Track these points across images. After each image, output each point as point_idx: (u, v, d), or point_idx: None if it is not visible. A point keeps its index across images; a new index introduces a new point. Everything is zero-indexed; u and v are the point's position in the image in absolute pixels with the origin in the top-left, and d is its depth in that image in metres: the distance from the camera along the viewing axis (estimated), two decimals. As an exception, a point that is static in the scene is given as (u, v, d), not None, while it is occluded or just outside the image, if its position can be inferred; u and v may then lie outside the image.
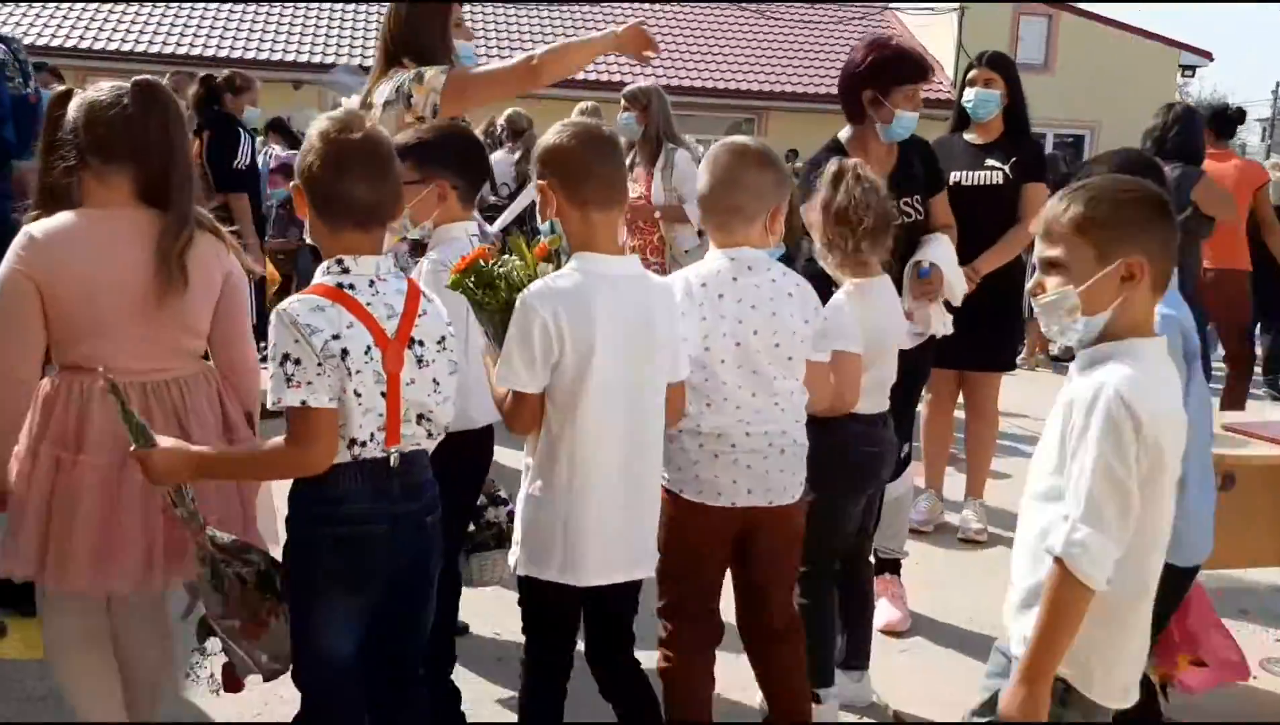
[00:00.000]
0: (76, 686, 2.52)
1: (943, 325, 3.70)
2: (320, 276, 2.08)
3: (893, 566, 3.85)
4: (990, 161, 4.54)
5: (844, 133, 3.79)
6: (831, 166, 3.07)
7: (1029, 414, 6.82)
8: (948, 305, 3.77)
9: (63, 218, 2.32)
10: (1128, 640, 1.98)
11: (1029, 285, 2.05)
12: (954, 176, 4.39)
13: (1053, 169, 10.06)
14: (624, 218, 5.25)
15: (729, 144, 2.67)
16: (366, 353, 2.02)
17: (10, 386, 2.33)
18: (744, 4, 20.46)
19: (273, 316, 2.01)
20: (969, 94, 4.62)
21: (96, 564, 2.31)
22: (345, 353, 1.99)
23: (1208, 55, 21.67)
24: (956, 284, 3.74)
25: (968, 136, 4.67)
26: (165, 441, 2.14)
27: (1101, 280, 1.92)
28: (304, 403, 1.97)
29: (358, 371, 2.01)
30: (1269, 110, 37.82)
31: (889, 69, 3.65)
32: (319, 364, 1.97)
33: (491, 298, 2.35)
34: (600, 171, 2.36)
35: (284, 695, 2.56)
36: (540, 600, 2.44)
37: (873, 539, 3.36)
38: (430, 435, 2.18)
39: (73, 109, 2.36)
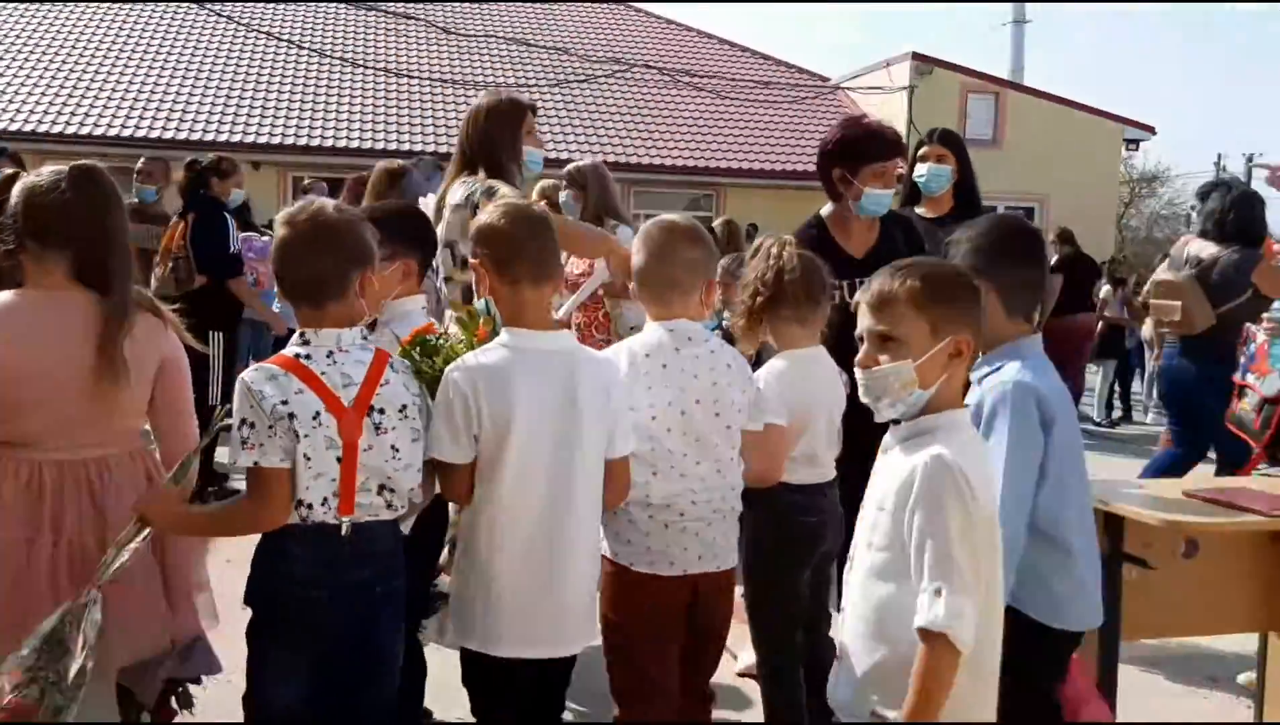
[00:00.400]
0: None
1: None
2: (286, 348, 2.25)
3: None
4: (942, 235, 4.62)
5: (825, 209, 3.86)
6: (757, 241, 3.17)
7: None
8: None
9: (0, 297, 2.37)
10: (992, 691, 2.03)
11: (858, 358, 2.09)
12: None
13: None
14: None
15: (661, 222, 2.76)
16: (315, 418, 2.14)
17: None
18: (700, 86, 20.83)
19: (236, 385, 2.18)
20: (921, 169, 4.71)
21: (10, 636, 2.28)
22: (292, 416, 2.12)
23: (1150, 129, 22.27)
24: None
25: (919, 211, 4.75)
26: (164, 494, 2.30)
27: (935, 355, 1.98)
28: (256, 463, 2.13)
29: (306, 435, 2.13)
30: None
31: (856, 147, 3.72)
32: (270, 427, 2.12)
33: (429, 369, 2.45)
34: (530, 249, 2.44)
35: None
36: (472, 667, 2.47)
37: (832, 609, 3.33)
38: (390, 506, 2.26)
39: (14, 194, 2.42)
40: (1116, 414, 11.72)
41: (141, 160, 6.95)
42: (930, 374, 2.00)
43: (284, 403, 2.13)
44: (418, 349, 2.51)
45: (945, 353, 2.00)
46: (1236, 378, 4.20)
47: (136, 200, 6.78)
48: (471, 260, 2.52)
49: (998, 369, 2.42)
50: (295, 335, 2.27)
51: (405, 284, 2.92)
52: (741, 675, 3.80)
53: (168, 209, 6.85)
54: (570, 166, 5.72)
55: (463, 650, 2.48)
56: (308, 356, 2.20)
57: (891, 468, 2.03)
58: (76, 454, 2.36)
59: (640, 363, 2.61)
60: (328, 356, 2.21)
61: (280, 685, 2.23)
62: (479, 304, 2.58)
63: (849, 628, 2.08)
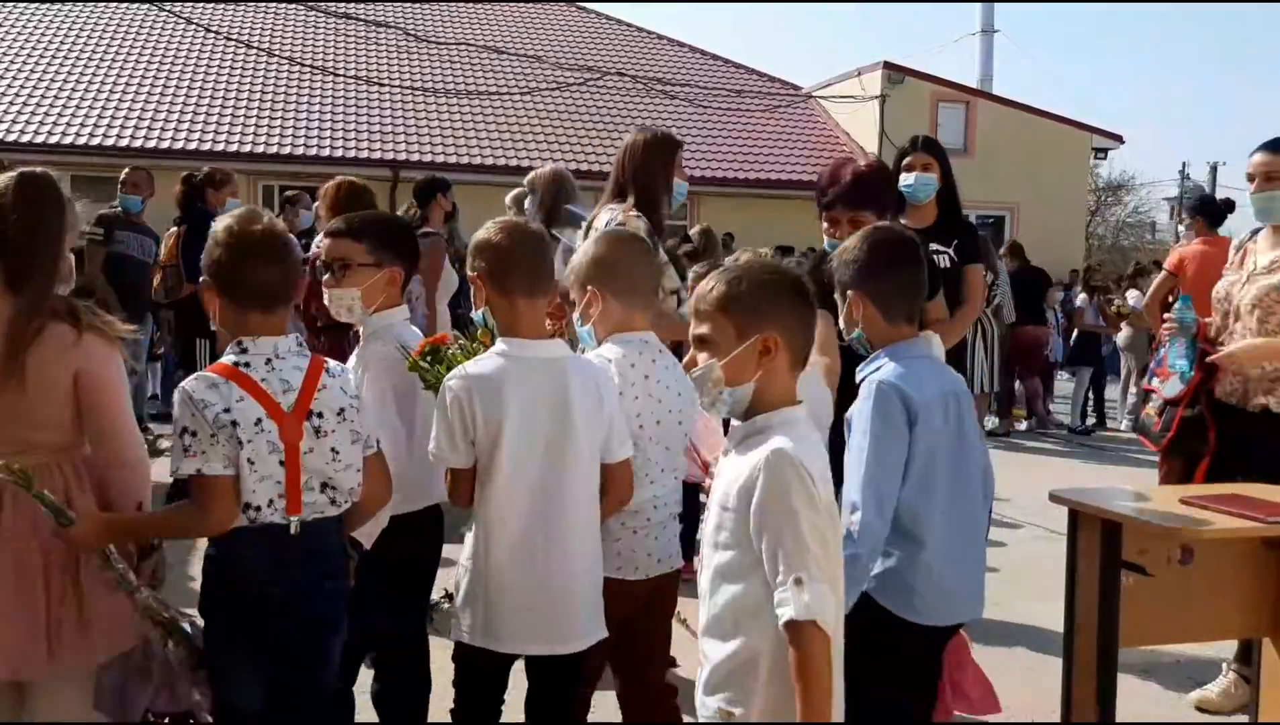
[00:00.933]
0: None
1: None
2: (223, 357, 2.31)
3: None
4: (934, 246, 4.61)
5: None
6: (734, 256, 3.28)
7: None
8: None
9: None
10: (839, 678, 2.01)
11: (684, 359, 2.17)
12: None
13: (985, 251, 10.32)
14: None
15: (630, 235, 2.91)
16: (258, 424, 2.21)
17: None
18: (673, 94, 20.87)
19: (175, 394, 2.23)
20: (908, 179, 4.68)
21: None
22: (235, 423, 2.19)
23: (1118, 138, 22.51)
24: None
25: (905, 221, 4.73)
26: (82, 511, 2.28)
27: (742, 354, 2.05)
28: (199, 471, 2.18)
29: (249, 441, 2.20)
30: (1175, 190, 39.33)
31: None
32: (212, 435, 2.18)
33: (434, 377, 2.59)
34: (524, 262, 2.56)
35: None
36: (469, 663, 2.54)
37: None
38: (334, 503, 2.35)
39: None
40: (1091, 421, 11.80)
41: (126, 170, 7.10)
42: (739, 372, 2.05)
43: (226, 411, 2.19)
44: (428, 357, 2.64)
45: (754, 351, 2.04)
46: (1145, 383, 4.13)
47: (120, 209, 6.84)
48: (470, 273, 2.61)
49: (877, 370, 2.54)
50: (232, 343, 2.31)
51: (387, 294, 2.95)
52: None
53: (150, 219, 6.93)
54: (531, 174, 5.61)
55: (460, 649, 2.54)
56: (246, 364, 2.28)
57: (732, 467, 2.08)
58: None
59: (629, 373, 2.70)
60: (266, 363, 2.29)
61: (244, 688, 2.29)
62: (476, 315, 2.66)
63: (702, 627, 2.11)
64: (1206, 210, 6.97)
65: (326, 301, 2.95)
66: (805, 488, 1.93)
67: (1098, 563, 3.04)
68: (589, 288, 2.74)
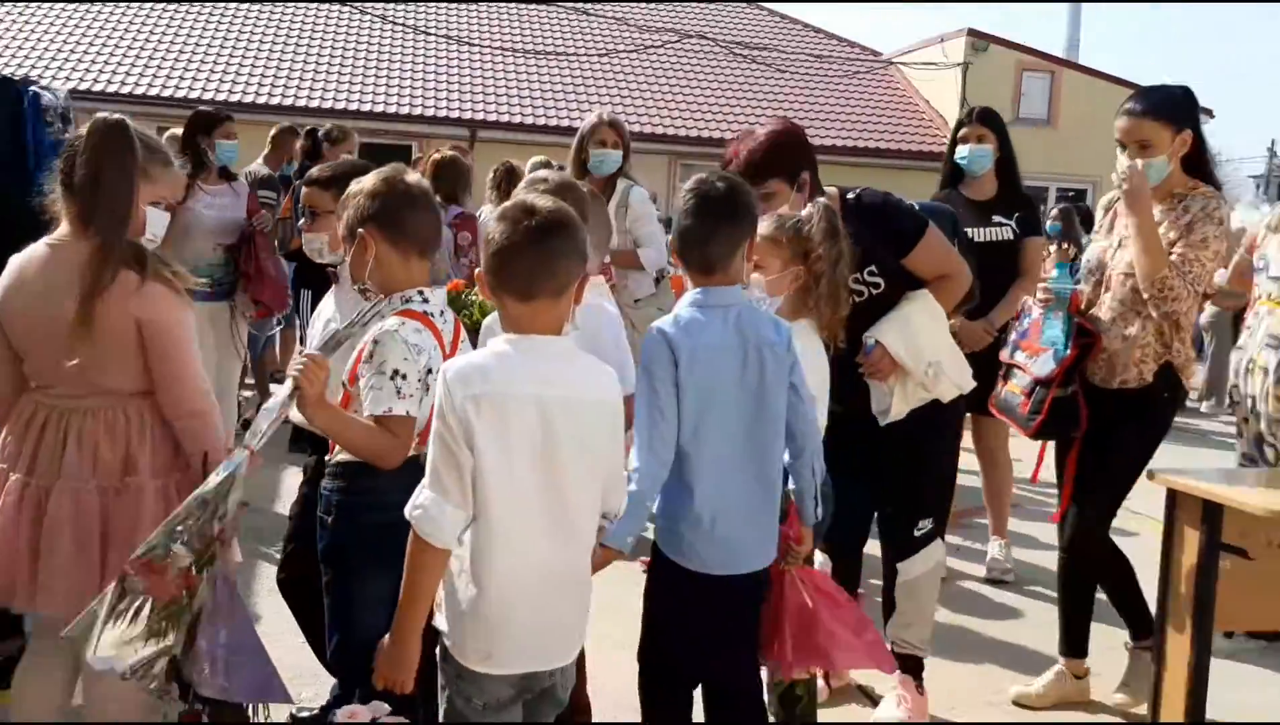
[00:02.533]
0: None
1: (904, 405, 3.29)
2: (400, 305, 2.37)
3: (912, 665, 3.37)
4: (997, 218, 4.65)
5: None
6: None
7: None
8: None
9: (29, 247, 2.51)
10: (483, 603, 2.06)
11: None
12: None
13: (1067, 221, 10.06)
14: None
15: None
16: (439, 372, 2.25)
17: None
18: (753, 59, 20.65)
19: (382, 337, 2.30)
20: (962, 150, 4.69)
21: (30, 584, 2.40)
22: (430, 372, 2.31)
23: (1208, 113, 21.83)
24: (910, 359, 3.24)
25: (965, 193, 4.71)
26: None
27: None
28: (408, 413, 2.30)
29: (429, 387, 2.31)
30: (1263, 167, 38.12)
31: None
32: (419, 381, 2.30)
33: (466, 320, 2.79)
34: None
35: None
36: None
37: None
38: None
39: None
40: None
41: (276, 130, 7.34)
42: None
43: (430, 359, 2.34)
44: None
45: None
46: (1004, 356, 3.75)
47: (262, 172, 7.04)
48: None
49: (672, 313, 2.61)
50: (411, 292, 2.41)
51: None
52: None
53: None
54: (612, 115, 5.46)
55: None
56: (433, 314, 2.41)
57: None
58: (62, 402, 2.44)
59: None
60: (440, 314, 2.44)
61: (375, 615, 2.35)
62: None
63: None
64: None
65: (304, 244, 3.16)
66: (441, 407, 2.00)
67: (1198, 544, 3.01)
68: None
